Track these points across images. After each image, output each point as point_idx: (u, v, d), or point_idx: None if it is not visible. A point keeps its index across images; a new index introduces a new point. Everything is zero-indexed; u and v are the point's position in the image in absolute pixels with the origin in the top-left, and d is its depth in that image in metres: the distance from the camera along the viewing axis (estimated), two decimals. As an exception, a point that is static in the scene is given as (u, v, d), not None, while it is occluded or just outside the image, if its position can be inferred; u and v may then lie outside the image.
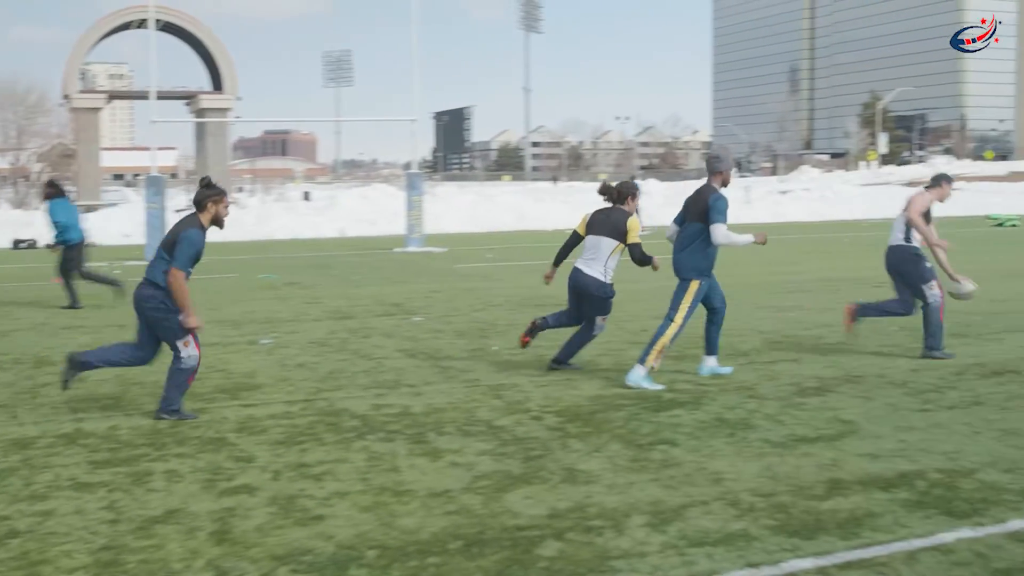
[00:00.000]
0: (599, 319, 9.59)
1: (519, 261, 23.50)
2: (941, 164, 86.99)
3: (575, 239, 9.74)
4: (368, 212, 38.63)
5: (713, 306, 9.29)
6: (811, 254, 24.40)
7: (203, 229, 7.82)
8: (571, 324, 9.83)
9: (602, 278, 9.35)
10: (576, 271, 9.48)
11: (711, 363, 9.37)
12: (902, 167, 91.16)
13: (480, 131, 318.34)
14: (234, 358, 10.49)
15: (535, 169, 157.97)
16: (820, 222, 41.49)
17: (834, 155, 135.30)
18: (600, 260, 9.36)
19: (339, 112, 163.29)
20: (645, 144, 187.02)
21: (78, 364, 8.08)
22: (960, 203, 51.58)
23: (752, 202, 45.77)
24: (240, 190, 71.11)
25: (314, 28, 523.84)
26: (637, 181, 36.46)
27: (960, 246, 25.87)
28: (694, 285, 9.00)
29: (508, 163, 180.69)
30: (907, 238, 10.15)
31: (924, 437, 7.10)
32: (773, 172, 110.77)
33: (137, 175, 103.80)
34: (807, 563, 4.81)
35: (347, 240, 32.82)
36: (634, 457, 6.66)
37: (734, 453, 6.74)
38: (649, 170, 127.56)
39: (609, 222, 9.38)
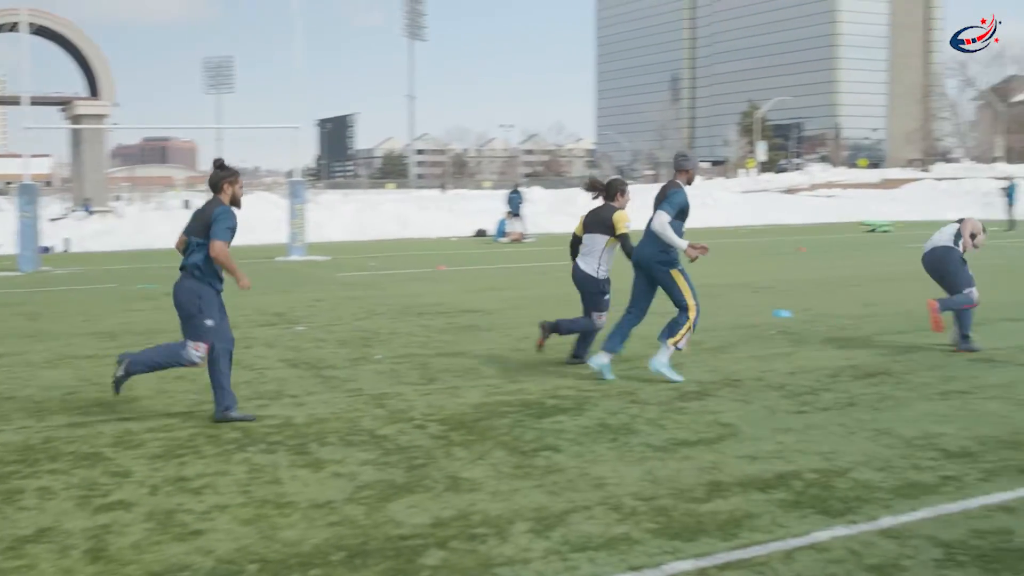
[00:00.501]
0: (594, 315, 10.12)
1: (402, 269, 23.44)
2: (817, 172, 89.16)
3: (576, 241, 10.32)
4: (250, 220, 37.94)
5: (641, 306, 9.61)
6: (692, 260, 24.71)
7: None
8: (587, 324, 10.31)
9: (594, 273, 10.00)
10: (574, 266, 10.18)
11: (604, 360, 9.41)
12: (780, 175, 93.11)
13: (364, 139, 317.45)
14: (111, 371, 10.20)
15: (420, 177, 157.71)
16: (701, 228, 42.07)
17: (714, 163, 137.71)
18: (595, 255, 10.02)
19: (220, 119, 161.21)
20: (529, 152, 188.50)
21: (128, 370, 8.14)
22: (835, 209, 53.19)
23: (636, 209, 46.26)
24: (118, 198, 69.61)
25: (194, 34, 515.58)
26: (521, 189, 36.69)
27: (836, 251, 26.59)
28: (676, 275, 9.35)
29: (392, 171, 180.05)
30: (956, 243, 11.03)
31: (800, 438, 7.26)
32: (655, 179, 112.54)
33: (9, 183, 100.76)
34: (688, 565, 4.88)
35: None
36: (518, 464, 6.67)
37: (616, 458, 6.80)
38: (533, 177, 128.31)
39: (599, 219, 10.03)
